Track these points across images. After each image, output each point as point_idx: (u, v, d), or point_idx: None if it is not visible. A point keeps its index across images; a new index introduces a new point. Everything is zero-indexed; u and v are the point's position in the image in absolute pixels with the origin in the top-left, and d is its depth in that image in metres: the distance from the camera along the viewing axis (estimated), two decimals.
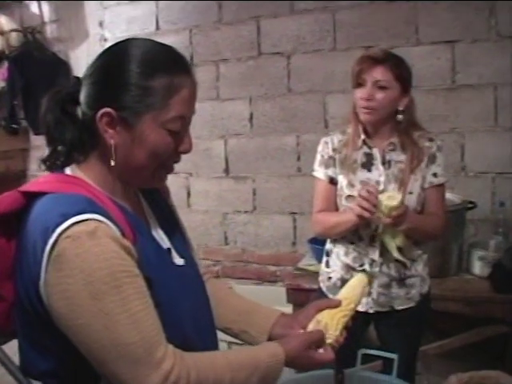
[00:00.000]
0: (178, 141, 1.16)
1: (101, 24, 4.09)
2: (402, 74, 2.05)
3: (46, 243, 1.00)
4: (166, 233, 1.28)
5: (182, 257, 1.28)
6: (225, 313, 1.41)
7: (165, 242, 1.26)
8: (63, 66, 4.16)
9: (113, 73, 1.12)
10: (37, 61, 4.08)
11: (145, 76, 1.10)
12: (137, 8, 3.95)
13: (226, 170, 3.81)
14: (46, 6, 4.27)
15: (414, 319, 2.16)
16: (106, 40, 4.04)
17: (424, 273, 2.19)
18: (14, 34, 4.16)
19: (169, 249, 1.25)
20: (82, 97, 1.14)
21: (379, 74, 2.02)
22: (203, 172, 3.85)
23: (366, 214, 1.94)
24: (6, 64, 4.10)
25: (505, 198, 3.04)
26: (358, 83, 2.07)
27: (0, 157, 4.36)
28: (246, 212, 3.80)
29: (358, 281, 1.43)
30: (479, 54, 3.11)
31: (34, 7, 4.29)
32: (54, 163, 1.19)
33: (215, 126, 3.76)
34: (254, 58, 3.65)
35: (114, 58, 1.15)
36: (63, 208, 1.03)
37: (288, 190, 3.65)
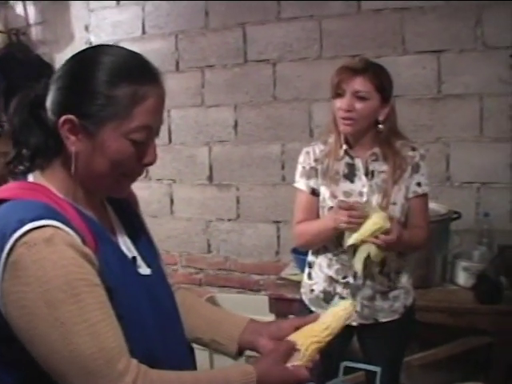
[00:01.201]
0: (142, 152, 1.13)
1: (86, 28, 4.05)
2: (381, 84, 2.03)
3: (2, 250, 0.98)
4: (133, 242, 1.26)
5: (148, 266, 1.24)
6: (194, 323, 1.38)
7: (131, 250, 1.23)
8: (47, 69, 4.08)
9: (79, 79, 1.10)
10: (20, 63, 4.00)
11: (109, 85, 1.08)
12: (123, 12, 3.91)
13: (210, 178, 3.78)
14: (31, 8, 4.21)
15: (398, 331, 2.14)
16: (91, 43, 4.00)
17: (408, 285, 2.17)
18: None
19: (134, 257, 1.22)
20: (48, 101, 1.12)
21: (359, 84, 2.00)
22: (187, 179, 3.81)
23: (343, 226, 1.93)
24: None
25: (489, 209, 3.04)
26: (338, 93, 2.04)
27: None
28: (229, 220, 3.76)
29: (343, 310, 1.33)
30: (465, 64, 3.12)
31: (19, 9, 4.23)
32: (17, 167, 1.16)
33: (200, 132, 3.73)
34: (239, 65, 3.63)
35: (82, 64, 1.12)
36: (20, 214, 1.00)
37: (272, 198, 3.62)
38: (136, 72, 1.11)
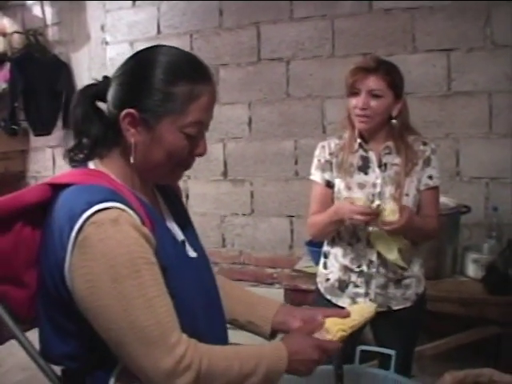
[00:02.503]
0: (194, 144, 1.22)
1: (102, 28, 4.13)
2: (394, 81, 2.10)
3: (72, 229, 1.06)
4: (180, 227, 1.34)
5: (194, 250, 1.33)
6: (232, 305, 1.46)
7: (179, 234, 1.32)
8: (64, 69, 4.20)
9: (139, 77, 1.19)
10: (38, 63, 4.12)
11: (168, 82, 1.17)
12: (138, 12, 4.00)
13: (225, 173, 3.86)
14: (48, 9, 4.31)
15: (410, 319, 2.21)
16: (107, 43, 4.10)
17: (420, 273, 2.23)
18: (16, 36, 4.21)
19: (183, 241, 1.31)
20: (110, 96, 1.21)
21: (373, 83, 2.07)
22: (202, 175, 3.89)
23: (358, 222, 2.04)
24: (7, 65, 4.12)
25: (498, 203, 3.11)
26: (353, 92, 2.12)
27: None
28: (243, 215, 3.84)
29: (367, 309, 1.51)
30: (474, 62, 3.19)
31: (36, 10, 4.33)
32: (77, 155, 1.25)
33: (214, 129, 3.76)
34: (253, 64, 3.71)
35: (142, 62, 1.21)
36: (88, 196, 1.09)
37: (285, 193, 3.70)
38: (192, 71, 1.20)
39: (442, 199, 2.80)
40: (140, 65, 1.21)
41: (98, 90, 1.25)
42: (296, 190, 3.62)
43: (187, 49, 3.65)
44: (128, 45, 4.00)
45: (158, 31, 3.95)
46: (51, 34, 4.32)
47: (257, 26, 3.67)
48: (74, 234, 1.06)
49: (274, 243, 3.78)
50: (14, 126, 4.25)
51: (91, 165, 1.24)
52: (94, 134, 1.23)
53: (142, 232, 1.10)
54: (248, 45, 3.70)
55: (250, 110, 3.75)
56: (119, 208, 1.09)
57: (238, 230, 3.88)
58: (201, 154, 1.25)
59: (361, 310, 1.49)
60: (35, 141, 4.44)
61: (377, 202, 2.07)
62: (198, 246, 1.37)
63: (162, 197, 1.37)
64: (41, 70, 4.11)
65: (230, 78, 3.77)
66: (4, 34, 4.19)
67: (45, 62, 4.16)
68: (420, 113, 3.18)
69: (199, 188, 3.93)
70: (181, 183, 4.21)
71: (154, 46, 1.26)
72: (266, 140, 3.73)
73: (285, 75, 3.64)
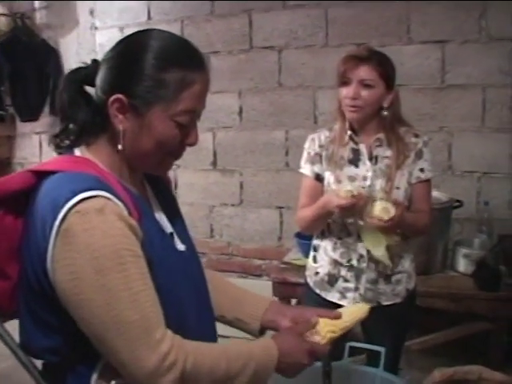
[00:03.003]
0: (185, 134, 1.17)
1: (91, 12, 4.05)
2: (386, 71, 2.07)
3: (55, 218, 1.02)
4: (169, 219, 1.30)
5: (182, 242, 1.29)
6: (219, 301, 1.42)
7: (167, 226, 1.27)
8: (52, 53, 4.12)
9: (129, 61, 1.14)
10: (25, 47, 4.03)
11: (159, 68, 1.12)
12: None
13: (214, 163, 3.82)
14: None
15: (400, 315, 2.18)
16: (96, 28, 4.02)
17: (411, 269, 2.21)
18: (2, 19, 4.12)
19: (171, 233, 1.27)
20: (98, 80, 1.16)
21: (364, 72, 2.04)
22: (190, 164, 3.84)
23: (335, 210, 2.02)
24: None
25: (489, 198, 3.09)
26: (344, 82, 2.09)
27: None
28: (232, 205, 3.81)
29: (359, 310, 1.45)
30: (469, 55, 3.16)
31: None
32: (63, 141, 1.20)
33: (204, 118, 3.56)
34: (245, 52, 3.65)
35: (133, 46, 1.17)
36: (73, 185, 1.05)
37: (275, 184, 3.67)
38: (185, 58, 1.15)
39: (434, 193, 2.78)
40: (131, 49, 1.16)
41: (86, 73, 1.19)
42: (286, 181, 3.57)
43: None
44: (118, 30, 3.91)
45: (149, 17, 3.88)
46: (39, 17, 4.24)
47: (249, 14, 3.61)
48: (57, 223, 1.02)
49: (262, 234, 3.75)
50: (0, 112, 4.17)
51: (77, 152, 1.19)
52: (81, 119, 1.18)
53: (129, 223, 1.06)
54: (240, 32, 3.65)
55: (240, 98, 3.70)
56: (105, 197, 1.04)
57: (226, 221, 3.84)
58: (192, 144, 1.21)
59: (353, 311, 1.44)
60: (22, 127, 4.37)
61: (368, 183, 2.05)
62: (186, 239, 1.33)
63: (151, 187, 1.33)
64: (28, 54, 4.03)
65: (220, 65, 3.71)
66: None
67: (32, 46, 4.07)
68: (413, 105, 3.16)
69: (188, 177, 3.88)
70: (170, 172, 4.15)
71: (147, 29, 1.20)
72: (256, 130, 3.68)
73: (277, 64, 3.59)
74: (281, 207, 3.66)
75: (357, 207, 1.98)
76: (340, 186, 2.10)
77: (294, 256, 3.18)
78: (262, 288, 3.26)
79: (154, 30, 1.20)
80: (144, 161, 1.19)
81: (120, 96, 1.12)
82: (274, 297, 2.97)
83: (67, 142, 1.20)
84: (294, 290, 2.84)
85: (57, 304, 1.06)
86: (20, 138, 4.47)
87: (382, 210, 1.96)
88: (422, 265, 2.67)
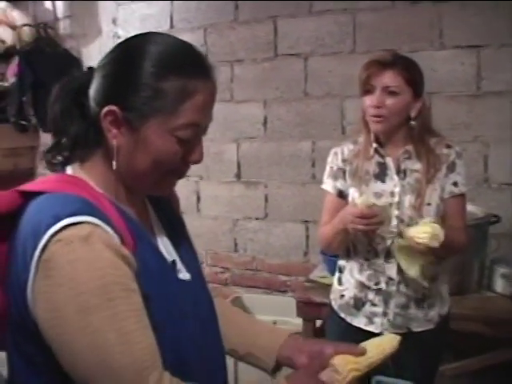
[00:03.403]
0: (188, 150, 1.06)
1: (114, 21, 4.01)
2: (413, 77, 1.93)
3: (35, 246, 0.91)
4: (173, 244, 1.18)
5: (188, 271, 1.16)
6: (230, 334, 1.30)
7: (170, 253, 1.15)
8: (75, 63, 4.06)
9: (125, 68, 1.03)
10: (48, 57, 4.00)
11: (157, 77, 1.01)
12: (151, 6, 3.86)
13: (238, 175, 3.70)
14: (59, 2, 4.21)
15: (432, 342, 2.03)
16: (119, 37, 3.95)
17: (444, 293, 2.06)
18: (26, 29, 4.08)
19: (174, 261, 1.14)
20: (92, 90, 1.06)
21: (388, 78, 1.91)
22: (214, 176, 3.74)
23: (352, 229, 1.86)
24: (16, 59, 4.01)
25: None
26: (367, 90, 1.95)
27: (8, 154, 4.27)
28: (257, 219, 3.68)
29: (388, 342, 1.25)
30: (506, 60, 2.98)
31: (48, 3, 4.24)
32: (55, 157, 1.10)
33: (228, 128, 3.65)
34: (270, 60, 3.54)
35: (129, 52, 1.06)
36: (56, 208, 0.94)
37: (301, 197, 3.53)
38: (186, 64, 1.04)
39: (469, 208, 2.61)
40: (127, 54, 1.05)
41: (80, 83, 1.08)
42: (312, 193, 3.43)
43: (201, 44, 3.60)
44: None
45: (171, 25, 3.80)
46: (62, 27, 4.23)
47: (274, 20, 3.49)
48: (37, 253, 0.91)
49: (288, 249, 3.61)
50: (23, 122, 4.13)
51: (69, 170, 1.09)
52: (74, 132, 1.07)
53: (120, 252, 0.94)
54: (264, 40, 3.53)
55: (265, 108, 3.58)
56: (92, 223, 0.93)
57: (250, 235, 3.71)
58: (196, 162, 1.09)
59: (381, 343, 1.24)
60: (45, 137, 4.29)
61: (385, 200, 1.89)
62: (193, 267, 1.20)
63: (154, 208, 1.21)
64: (51, 64, 3.97)
65: (245, 74, 3.60)
66: (14, 27, 4.06)
67: (55, 56, 4.03)
68: (446, 114, 3.02)
69: (211, 190, 3.77)
70: (192, 184, 4.06)
71: (145, 33, 1.09)
72: (281, 141, 3.55)
73: (303, 72, 3.45)
74: (307, 221, 3.52)
75: (376, 221, 1.82)
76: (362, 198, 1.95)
77: (319, 273, 3.04)
78: (287, 305, 3.17)
79: (154, 33, 1.09)
80: (141, 181, 1.08)
81: (113, 108, 1.01)
82: (298, 317, 2.85)
83: (60, 158, 1.10)
84: (319, 311, 2.69)
85: (42, 340, 0.94)
86: (43, 149, 4.42)
87: (431, 237, 1.77)
88: (456, 285, 2.51)
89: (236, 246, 3.76)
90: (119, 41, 1.13)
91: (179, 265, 1.15)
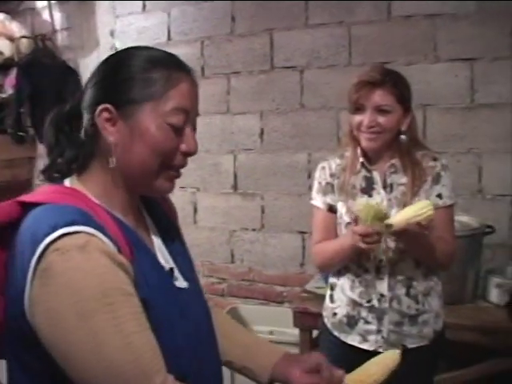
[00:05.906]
0: (180, 138, 1.10)
1: (112, 33, 4.03)
2: (402, 94, 1.93)
3: (33, 255, 0.93)
4: (170, 252, 1.20)
5: (185, 279, 1.18)
6: (228, 346, 1.32)
7: (168, 261, 1.17)
8: (72, 75, 4.09)
9: (114, 69, 1.10)
10: (46, 68, 4.01)
11: (145, 69, 1.08)
12: (148, 18, 3.89)
13: (235, 186, 3.71)
14: (57, 14, 4.21)
15: (427, 358, 2.02)
16: (116, 49, 3.96)
17: (438, 308, 2.04)
18: (24, 41, 4.10)
19: (171, 269, 1.16)
20: (84, 102, 1.10)
21: (379, 98, 1.90)
22: (211, 187, 3.75)
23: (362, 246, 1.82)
24: (14, 71, 4.03)
25: None
26: (357, 108, 1.95)
27: (6, 165, 4.27)
28: (253, 230, 3.69)
29: (389, 358, 1.28)
30: (499, 73, 3.01)
31: (45, 14, 4.23)
32: (51, 175, 1.15)
33: (224, 140, 3.67)
34: (266, 72, 3.56)
35: (118, 59, 1.13)
36: (53, 218, 0.95)
37: (298, 208, 3.54)
38: (170, 62, 1.11)
39: (464, 219, 2.64)
40: (115, 60, 1.12)
41: (72, 106, 1.14)
42: (309, 205, 3.41)
43: (198, 56, 3.63)
44: None
45: (169, 37, 3.83)
46: (60, 39, 4.23)
47: (270, 33, 3.52)
48: (34, 261, 0.92)
49: (284, 260, 3.62)
50: (20, 133, 4.14)
51: (67, 182, 1.11)
52: (69, 155, 1.12)
53: (117, 260, 0.96)
54: (261, 52, 3.56)
55: (261, 120, 3.60)
56: (89, 233, 0.94)
57: (247, 246, 3.72)
58: (189, 151, 1.11)
59: (381, 361, 1.26)
60: (42, 148, 4.31)
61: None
62: (190, 275, 1.22)
63: (151, 218, 1.23)
64: (48, 76, 4.00)
65: (241, 86, 3.63)
66: (12, 39, 4.08)
67: (53, 68, 4.04)
68: (441, 126, 3.04)
69: (208, 201, 3.78)
70: (189, 195, 4.07)
71: (130, 46, 1.17)
72: (278, 152, 3.58)
73: (299, 84, 3.48)
74: (303, 232, 3.53)
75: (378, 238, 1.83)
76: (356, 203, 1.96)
77: (316, 284, 3.05)
78: (284, 315, 3.18)
79: (137, 46, 1.17)
80: (140, 175, 1.09)
81: (107, 105, 1.06)
82: (295, 327, 2.86)
83: (56, 175, 1.14)
84: (315, 321, 2.68)
85: (42, 349, 0.95)
86: (40, 160, 4.42)
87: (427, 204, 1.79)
88: (450, 295, 2.49)
89: (233, 256, 3.77)
90: None
91: (176, 273, 1.17)
